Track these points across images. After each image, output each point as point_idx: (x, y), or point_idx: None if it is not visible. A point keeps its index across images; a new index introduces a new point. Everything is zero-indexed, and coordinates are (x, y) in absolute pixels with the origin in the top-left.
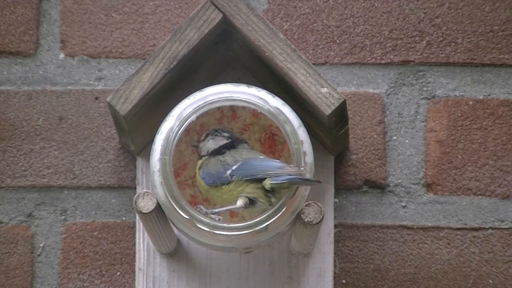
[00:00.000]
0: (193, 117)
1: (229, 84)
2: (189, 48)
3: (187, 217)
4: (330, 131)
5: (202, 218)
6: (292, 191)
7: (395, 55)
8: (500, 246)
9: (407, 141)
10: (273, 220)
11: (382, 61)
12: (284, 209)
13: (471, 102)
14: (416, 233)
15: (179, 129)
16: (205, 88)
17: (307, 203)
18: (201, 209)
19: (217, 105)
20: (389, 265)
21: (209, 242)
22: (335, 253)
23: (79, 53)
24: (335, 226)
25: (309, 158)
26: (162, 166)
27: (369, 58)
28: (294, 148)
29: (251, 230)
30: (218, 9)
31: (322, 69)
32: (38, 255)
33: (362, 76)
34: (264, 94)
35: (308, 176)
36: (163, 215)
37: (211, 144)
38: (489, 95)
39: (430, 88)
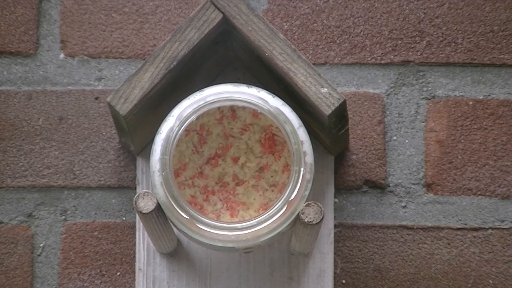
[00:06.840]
0: (193, 117)
1: (229, 84)
2: (189, 48)
3: (187, 217)
4: (330, 131)
5: (202, 218)
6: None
7: (395, 55)
8: (500, 246)
9: (407, 141)
10: (273, 220)
11: (382, 61)
12: (284, 209)
13: (471, 102)
14: (416, 233)
15: (179, 129)
16: (205, 88)
17: (307, 203)
18: None
19: (217, 105)
20: (389, 265)
21: (209, 242)
22: (335, 253)
23: (79, 53)
24: (335, 226)
25: (309, 158)
26: (162, 166)
27: (369, 58)
28: (294, 148)
29: (251, 230)
30: (218, 9)
31: (322, 69)
32: (38, 255)
33: (362, 76)
34: (264, 94)
35: None
36: (163, 215)
37: None
38: (489, 95)
39: (430, 88)
